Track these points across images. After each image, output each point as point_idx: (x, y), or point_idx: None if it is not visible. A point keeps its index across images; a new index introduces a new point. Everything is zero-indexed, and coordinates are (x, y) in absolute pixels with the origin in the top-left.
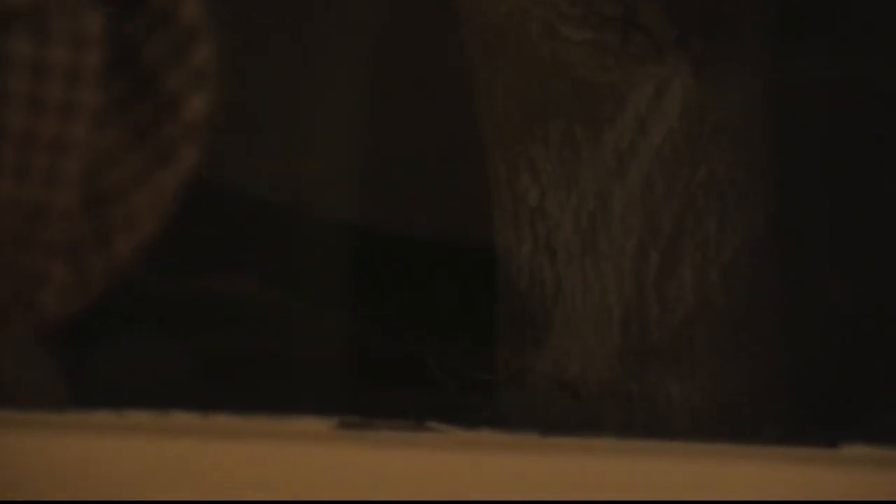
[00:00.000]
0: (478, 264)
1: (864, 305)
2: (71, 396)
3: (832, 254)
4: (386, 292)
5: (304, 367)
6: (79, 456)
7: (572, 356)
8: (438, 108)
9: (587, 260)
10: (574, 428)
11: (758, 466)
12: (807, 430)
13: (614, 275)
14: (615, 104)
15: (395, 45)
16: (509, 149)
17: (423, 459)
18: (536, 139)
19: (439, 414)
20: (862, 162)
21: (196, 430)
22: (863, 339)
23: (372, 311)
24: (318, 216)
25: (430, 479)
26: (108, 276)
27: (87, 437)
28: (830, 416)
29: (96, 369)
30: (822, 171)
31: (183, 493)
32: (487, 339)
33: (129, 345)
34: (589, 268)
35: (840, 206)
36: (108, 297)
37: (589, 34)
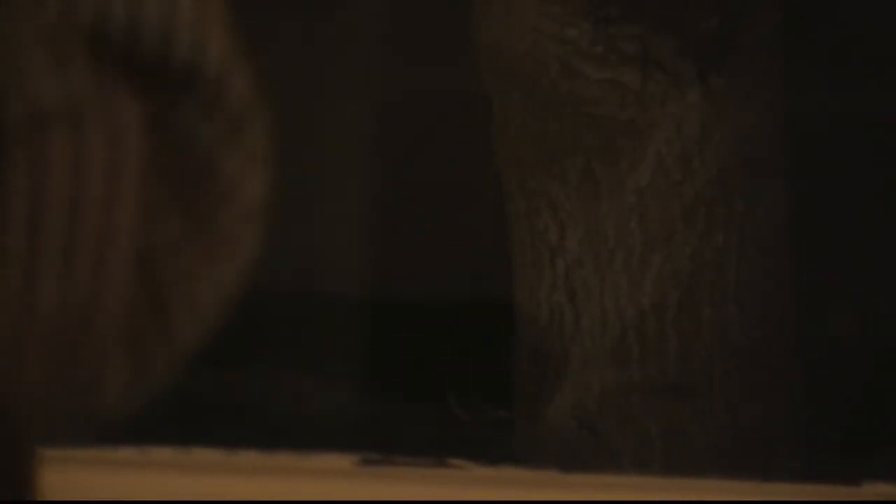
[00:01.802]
0: (498, 301)
1: (885, 340)
2: (94, 433)
3: (851, 288)
4: (406, 330)
5: (325, 403)
6: (103, 491)
7: (591, 393)
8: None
9: (606, 297)
10: (592, 464)
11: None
12: (827, 467)
13: (633, 312)
14: (634, 141)
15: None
16: (528, 186)
17: (443, 496)
18: (555, 176)
19: (459, 450)
20: (880, 193)
21: (219, 466)
22: (884, 375)
23: (392, 348)
24: (335, 248)
25: None
26: (170, 367)
27: (111, 473)
28: (852, 452)
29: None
30: (839, 204)
31: None
32: (507, 376)
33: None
34: (608, 305)
35: (859, 240)
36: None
37: (608, 72)
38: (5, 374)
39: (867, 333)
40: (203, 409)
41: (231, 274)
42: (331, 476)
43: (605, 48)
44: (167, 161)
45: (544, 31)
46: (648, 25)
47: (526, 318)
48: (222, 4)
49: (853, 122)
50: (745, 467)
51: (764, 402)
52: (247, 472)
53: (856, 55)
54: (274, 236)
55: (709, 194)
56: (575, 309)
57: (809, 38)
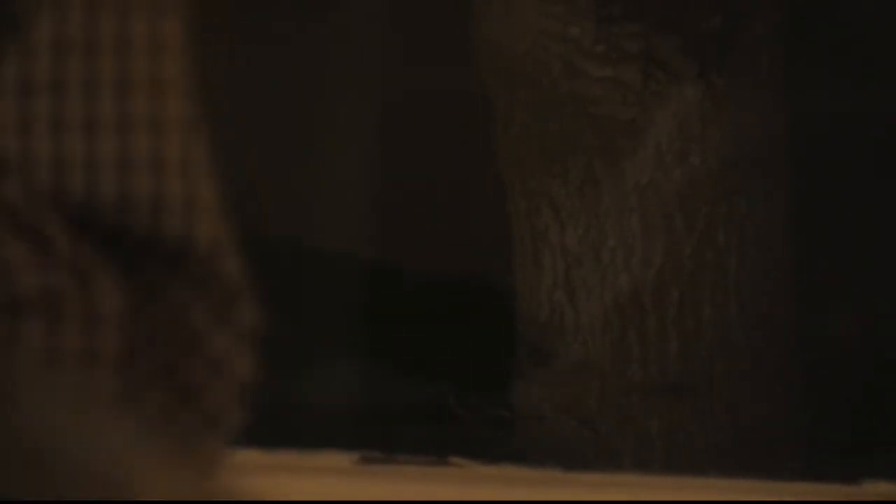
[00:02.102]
0: (498, 300)
1: (885, 340)
2: None
3: (851, 288)
4: (406, 329)
5: (326, 402)
6: None
7: (591, 392)
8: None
9: (607, 296)
10: (593, 463)
11: (778, 502)
12: (827, 467)
13: (634, 311)
14: (635, 140)
15: (415, 82)
16: (529, 185)
17: (444, 494)
18: (556, 175)
19: (460, 449)
20: (882, 193)
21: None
22: (884, 375)
23: (393, 347)
24: (335, 252)
25: None
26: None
27: None
28: (852, 452)
29: None
30: (839, 204)
31: None
32: (507, 375)
33: None
34: (608, 304)
35: (859, 240)
36: None
37: (609, 71)
38: None
39: (867, 333)
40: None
41: (212, 453)
42: (332, 474)
43: (606, 47)
44: (156, 337)
45: (545, 30)
46: (650, 24)
47: (526, 317)
48: (212, 185)
49: (853, 122)
50: (745, 467)
51: (764, 402)
52: (247, 471)
53: (856, 55)
54: (271, 237)
55: (709, 193)
56: (575, 308)
57: (809, 38)
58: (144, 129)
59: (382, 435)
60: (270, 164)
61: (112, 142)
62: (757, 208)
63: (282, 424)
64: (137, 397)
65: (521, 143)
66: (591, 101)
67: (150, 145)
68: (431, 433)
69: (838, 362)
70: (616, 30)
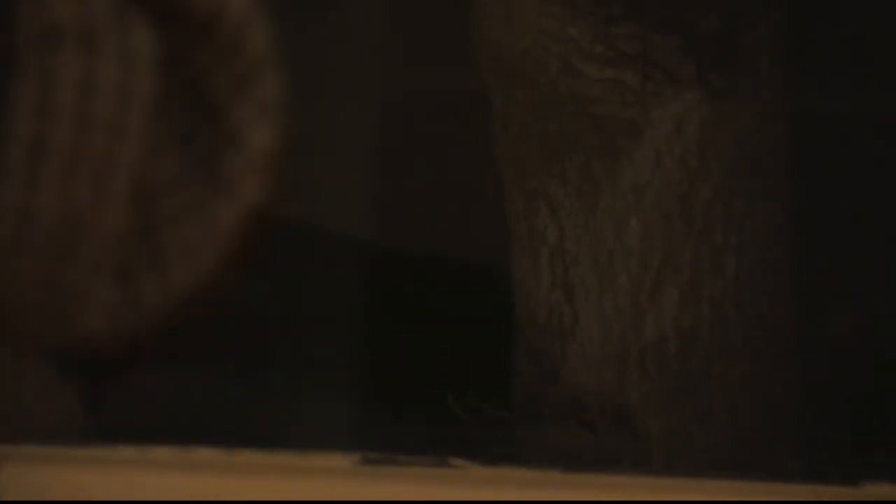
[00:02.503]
0: (497, 300)
1: (885, 340)
2: (94, 432)
3: (851, 288)
4: (404, 328)
5: (325, 403)
6: (103, 491)
7: (590, 392)
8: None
9: (605, 295)
10: (591, 464)
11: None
12: (827, 467)
13: (632, 310)
14: (633, 139)
15: (413, 75)
16: (528, 185)
17: (445, 495)
18: (555, 176)
19: (459, 450)
20: (880, 192)
21: (220, 465)
22: (884, 375)
23: (392, 347)
24: (332, 252)
25: None
26: (162, 301)
27: (112, 472)
28: (852, 452)
29: (119, 404)
30: (839, 203)
31: None
32: (506, 375)
33: (151, 379)
34: (607, 303)
35: (859, 240)
36: (163, 325)
37: (608, 71)
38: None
39: (867, 333)
40: (202, 407)
41: (228, 221)
42: (331, 475)
43: (605, 47)
44: (177, 100)
45: (545, 30)
46: (649, 25)
47: (525, 317)
48: None
49: (853, 122)
50: (744, 468)
51: (764, 403)
52: (247, 472)
53: (856, 55)
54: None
55: (708, 194)
56: (573, 308)
57: (809, 38)
58: None
59: (382, 435)
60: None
61: None
62: (756, 208)
63: (277, 425)
64: (178, 141)
65: (520, 143)
66: (590, 101)
67: None
68: (430, 433)
69: (838, 362)
70: (615, 30)
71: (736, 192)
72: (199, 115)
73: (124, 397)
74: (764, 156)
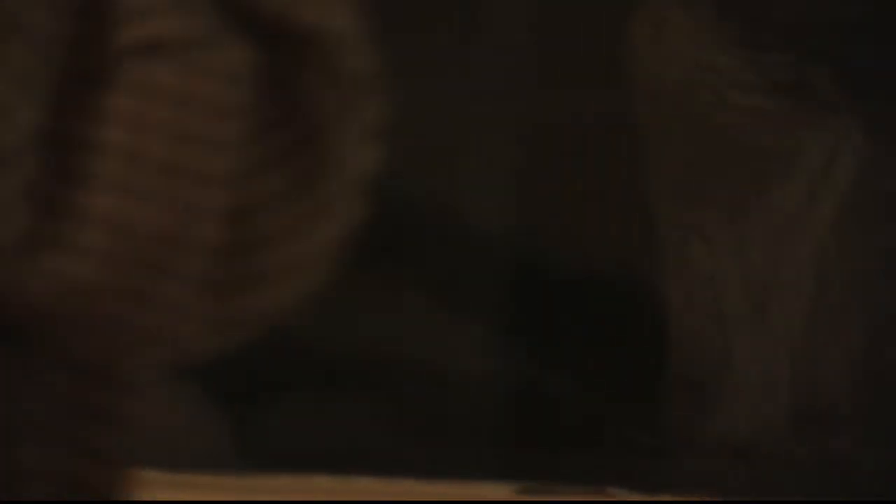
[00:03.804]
0: (649, 329)
1: None
2: (246, 459)
3: None
4: (553, 356)
5: (482, 432)
6: None
7: (743, 421)
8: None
9: (757, 325)
10: (748, 493)
11: None
12: None
13: (784, 339)
14: (786, 169)
15: (559, 103)
16: (680, 214)
17: None
18: (707, 205)
19: (613, 480)
20: None
21: (377, 493)
22: None
23: (541, 375)
24: (479, 280)
25: None
26: (260, 320)
27: (268, 500)
28: None
29: (273, 432)
30: None
31: None
32: (659, 405)
33: (304, 407)
34: (759, 332)
35: None
36: (271, 351)
37: (760, 100)
38: (93, 293)
39: None
40: (322, 431)
41: (330, 241)
42: None
43: (757, 76)
44: (280, 120)
45: (697, 60)
46: (802, 54)
47: (676, 346)
48: None
49: None
50: None
51: None
52: (406, 501)
53: None
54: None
55: (861, 223)
56: (725, 338)
57: None
58: None
59: (534, 464)
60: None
61: None
62: None
63: (424, 455)
64: (279, 161)
65: (673, 172)
66: (742, 130)
67: None
68: (582, 462)
69: None
70: (767, 59)
71: (890, 220)
72: (301, 137)
73: (273, 422)
74: None
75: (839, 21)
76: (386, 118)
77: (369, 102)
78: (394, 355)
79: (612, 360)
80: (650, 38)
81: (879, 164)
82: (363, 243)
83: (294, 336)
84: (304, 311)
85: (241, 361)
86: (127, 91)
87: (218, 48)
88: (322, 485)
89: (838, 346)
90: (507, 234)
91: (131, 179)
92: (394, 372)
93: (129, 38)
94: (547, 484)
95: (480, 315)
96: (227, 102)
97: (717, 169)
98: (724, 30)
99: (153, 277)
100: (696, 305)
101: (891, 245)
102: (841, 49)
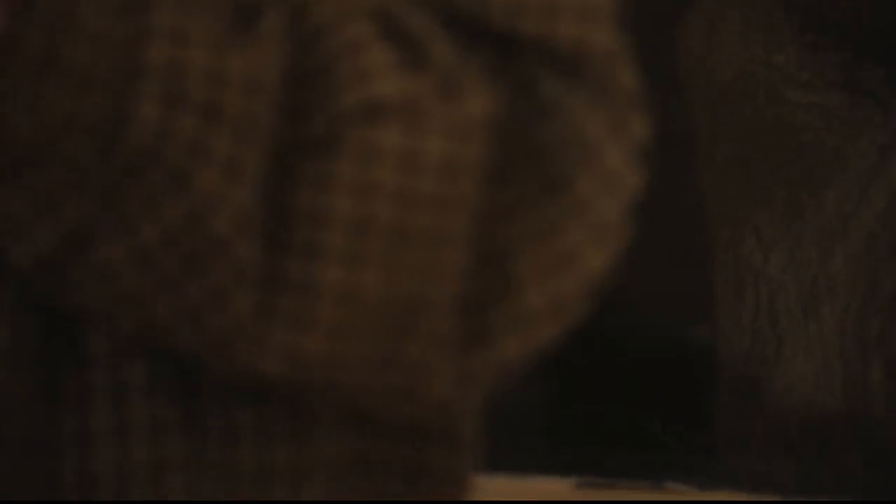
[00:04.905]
0: (701, 327)
1: None
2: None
3: None
4: (607, 353)
5: (541, 428)
6: None
7: (794, 419)
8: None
9: (809, 322)
10: (796, 491)
11: None
12: None
13: (836, 337)
14: (838, 166)
15: None
16: (733, 212)
17: None
18: (760, 203)
19: (666, 475)
20: None
21: None
22: None
23: (597, 370)
24: None
25: None
26: (495, 374)
27: None
28: None
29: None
30: None
31: None
32: (710, 402)
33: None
34: (812, 330)
35: None
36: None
37: (815, 98)
38: (328, 364)
39: None
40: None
41: (569, 291)
42: (552, 499)
43: (812, 74)
44: (544, 149)
45: (752, 58)
46: (857, 52)
47: (728, 343)
48: None
49: None
50: None
51: None
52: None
53: None
54: None
55: None
56: (777, 335)
57: None
58: None
59: (595, 460)
60: None
61: None
62: None
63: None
64: (518, 209)
65: (726, 171)
66: (796, 128)
67: None
68: (634, 459)
69: None
70: (822, 57)
71: None
72: (542, 185)
73: None
74: None
75: (893, 20)
76: (627, 163)
77: (635, 118)
78: None
79: (662, 356)
80: (705, 35)
81: None
82: None
83: None
84: None
85: None
86: (350, 156)
87: (448, 103)
88: None
89: (891, 343)
90: None
91: (360, 246)
92: None
93: (350, 102)
94: (605, 479)
95: None
96: (456, 159)
97: (771, 167)
98: (779, 28)
99: (393, 341)
100: (749, 302)
101: None
102: (894, 49)
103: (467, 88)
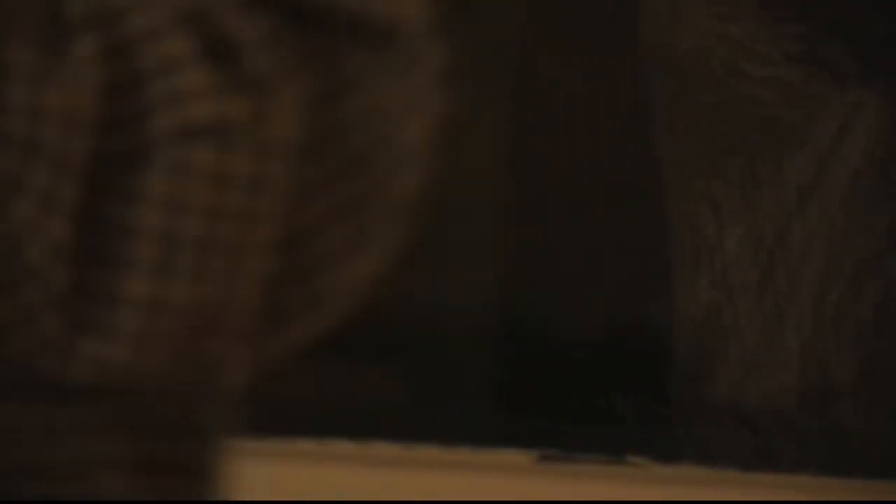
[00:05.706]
0: (656, 299)
1: None
2: (271, 424)
3: None
4: (562, 328)
5: (499, 399)
6: (279, 484)
7: (749, 391)
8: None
9: (765, 295)
10: (752, 464)
11: None
12: None
13: (792, 311)
14: (797, 141)
15: (566, 79)
16: (689, 185)
17: (623, 493)
18: (717, 176)
19: (622, 448)
20: None
21: (397, 460)
22: None
23: (551, 346)
24: (479, 257)
25: None
26: (285, 356)
27: (288, 465)
28: None
29: (295, 396)
30: None
31: None
32: (664, 373)
33: (328, 372)
34: (766, 303)
35: None
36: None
37: (772, 71)
38: (132, 370)
39: None
40: (339, 400)
41: (364, 274)
42: (511, 472)
43: (770, 48)
44: (329, 102)
45: (711, 30)
46: (815, 25)
47: (683, 315)
48: None
49: None
50: None
51: None
52: (425, 467)
53: None
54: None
55: (873, 197)
56: (733, 307)
57: None
58: None
59: (554, 434)
60: None
61: None
62: None
63: (455, 423)
64: (305, 197)
65: (683, 144)
66: (754, 101)
67: None
68: (599, 432)
69: None
70: (781, 30)
71: None
72: (342, 160)
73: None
74: None
75: None
76: (431, 139)
77: (436, 93)
78: (415, 318)
79: (622, 330)
80: (665, 6)
81: (892, 136)
82: None
83: None
84: None
85: None
86: (162, 173)
87: (259, 124)
88: (341, 450)
89: (847, 317)
90: (509, 208)
91: (168, 259)
92: (414, 337)
93: (164, 123)
94: (566, 452)
95: (481, 290)
96: (264, 177)
97: (729, 140)
98: (738, 1)
99: (195, 343)
100: (704, 275)
101: None
102: (855, 21)
103: (277, 108)
